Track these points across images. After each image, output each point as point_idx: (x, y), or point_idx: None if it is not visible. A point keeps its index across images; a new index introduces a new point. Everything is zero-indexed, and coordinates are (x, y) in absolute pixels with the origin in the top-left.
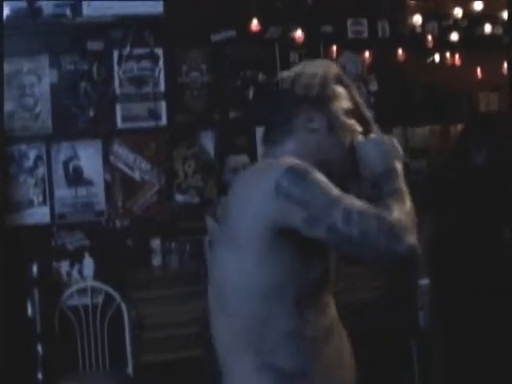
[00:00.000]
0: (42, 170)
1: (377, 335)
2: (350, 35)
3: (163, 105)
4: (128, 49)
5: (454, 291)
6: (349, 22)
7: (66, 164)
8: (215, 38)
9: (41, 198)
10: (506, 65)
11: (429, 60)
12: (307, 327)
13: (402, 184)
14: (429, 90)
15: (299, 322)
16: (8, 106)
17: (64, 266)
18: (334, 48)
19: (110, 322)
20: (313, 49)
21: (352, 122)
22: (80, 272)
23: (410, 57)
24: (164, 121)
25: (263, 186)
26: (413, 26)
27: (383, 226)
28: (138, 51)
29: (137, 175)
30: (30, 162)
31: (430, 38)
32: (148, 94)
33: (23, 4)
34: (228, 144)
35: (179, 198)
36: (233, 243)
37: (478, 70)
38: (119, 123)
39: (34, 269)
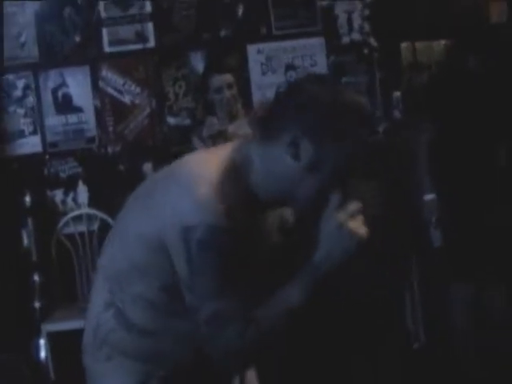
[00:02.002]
0: (31, 100)
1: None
2: None
3: (150, 26)
4: None
5: (458, 204)
6: None
7: (54, 92)
8: None
9: (31, 128)
10: None
11: None
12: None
13: (293, 302)
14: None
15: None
16: None
17: (58, 195)
18: None
19: None
20: None
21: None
22: (74, 200)
23: None
24: (152, 43)
25: (177, 209)
26: None
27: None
28: None
29: (127, 99)
30: (18, 92)
31: None
32: (134, 15)
33: None
34: (218, 63)
35: (171, 120)
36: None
37: None
38: (106, 47)
39: (28, 199)
